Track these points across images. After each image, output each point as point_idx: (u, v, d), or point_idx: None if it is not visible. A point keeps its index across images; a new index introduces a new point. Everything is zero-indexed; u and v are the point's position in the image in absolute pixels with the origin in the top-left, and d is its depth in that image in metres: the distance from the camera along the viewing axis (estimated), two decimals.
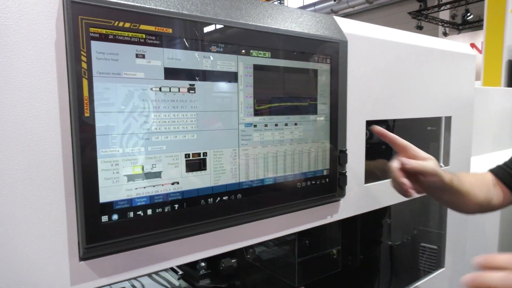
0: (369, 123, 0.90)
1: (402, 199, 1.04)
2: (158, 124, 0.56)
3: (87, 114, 0.49)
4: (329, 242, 1.15)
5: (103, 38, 0.50)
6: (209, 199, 0.62)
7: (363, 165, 0.90)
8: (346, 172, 0.82)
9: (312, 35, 0.73)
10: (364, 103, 0.88)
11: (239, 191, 0.65)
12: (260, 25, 0.66)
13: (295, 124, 0.72)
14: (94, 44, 0.49)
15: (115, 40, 0.51)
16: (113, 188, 0.52)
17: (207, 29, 0.59)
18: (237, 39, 0.63)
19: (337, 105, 0.78)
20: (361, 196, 0.91)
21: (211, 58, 0.60)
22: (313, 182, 0.77)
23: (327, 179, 0.79)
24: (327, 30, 0.78)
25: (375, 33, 0.90)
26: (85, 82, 0.49)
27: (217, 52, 0.61)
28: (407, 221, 1.38)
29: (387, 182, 0.91)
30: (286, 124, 0.71)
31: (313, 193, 0.77)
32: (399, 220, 1.34)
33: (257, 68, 0.66)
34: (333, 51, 0.77)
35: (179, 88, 0.57)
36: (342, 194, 0.83)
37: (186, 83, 0.58)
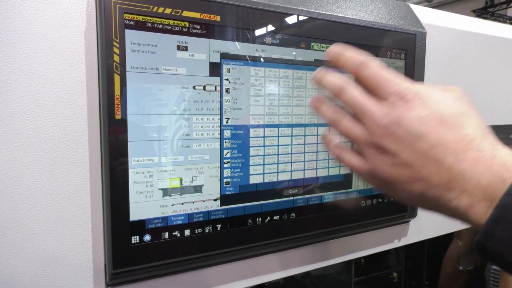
0: None
1: None
2: (201, 129, 0.47)
3: (118, 116, 0.41)
4: (390, 263, 1.02)
5: (140, 26, 0.42)
6: (257, 219, 0.52)
7: None
8: None
9: (384, 25, 0.61)
10: None
11: (292, 209, 0.55)
12: (324, 12, 0.55)
13: None
14: (129, 34, 0.41)
15: (154, 29, 0.43)
16: (146, 204, 0.44)
17: (261, 17, 0.50)
18: (295, 30, 0.53)
19: None
20: (435, 216, 0.76)
21: (266, 51, 0.50)
22: (380, 200, 0.64)
23: None
24: (402, 19, 0.65)
25: (458, 24, 0.76)
26: (116, 78, 0.41)
27: (272, 44, 0.51)
28: None
29: None
30: None
31: (379, 213, 0.65)
32: (472, 242, 1.17)
33: (318, 64, 0.55)
34: (409, 45, 0.64)
35: (226, 88, 0.48)
36: (413, 214, 0.70)
37: (235, 81, 0.48)
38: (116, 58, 0.41)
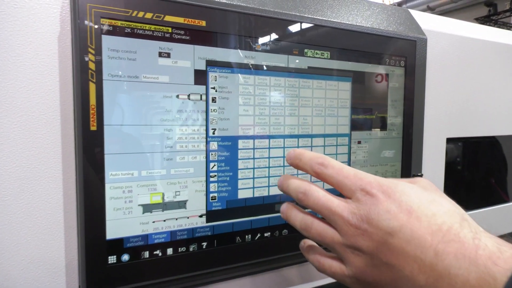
0: (451, 142, 0.72)
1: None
2: (185, 141, 0.44)
3: (93, 127, 0.38)
4: None
5: (118, 32, 0.39)
6: (246, 236, 0.49)
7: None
8: None
9: (383, 31, 0.58)
10: (446, 116, 0.71)
11: (285, 225, 0.52)
12: (318, 18, 0.52)
13: (358, 142, 0.57)
14: (106, 40, 0.39)
15: (133, 34, 0.40)
16: (124, 221, 0.41)
17: (250, 23, 0.47)
18: (288, 35, 0.50)
19: (412, 119, 0.62)
20: None
21: (255, 58, 0.48)
22: None
23: None
24: (401, 25, 0.62)
25: (461, 30, 0.73)
26: (92, 87, 0.38)
27: (263, 51, 0.48)
28: None
29: (477, 213, 0.73)
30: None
31: None
32: None
33: (312, 71, 0.52)
34: (409, 51, 0.61)
35: (213, 96, 0.45)
36: None
37: (222, 90, 0.46)
38: (92, 65, 0.38)
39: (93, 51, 0.38)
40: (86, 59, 0.38)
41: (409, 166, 0.63)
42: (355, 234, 0.28)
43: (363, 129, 0.57)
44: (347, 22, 0.55)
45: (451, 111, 0.71)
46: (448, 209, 0.28)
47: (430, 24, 0.68)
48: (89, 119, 0.38)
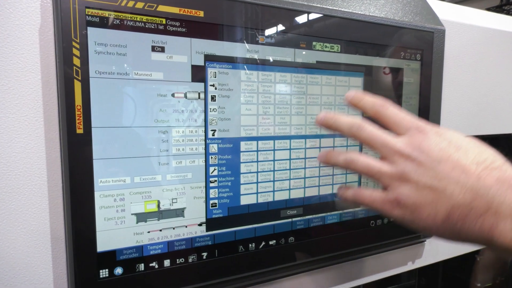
0: None
1: None
2: (182, 143, 0.40)
3: (79, 130, 0.35)
4: (402, 279, 0.94)
5: (105, 24, 0.35)
6: (250, 245, 0.45)
7: None
8: None
9: (398, 21, 0.54)
10: (464, 114, 0.66)
11: (291, 233, 0.48)
12: (327, 7, 0.48)
13: None
14: (92, 32, 0.35)
15: (123, 26, 0.36)
16: (116, 232, 0.38)
17: (253, 12, 0.43)
18: (295, 27, 0.46)
19: (428, 117, 0.58)
20: None
21: (259, 52, 0.44)
22: (392, 218, 0.57)
23: None
24: (417, 15, 0.58)
25: (481, 20, 0.68)
26: (77, 86, 0.34)
27: (267, 44, 0.44)
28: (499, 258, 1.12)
29: None
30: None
31: (390, 234, 0.57)
32: (491, 256, 1.09)
33: (321, 66, 0.48)
34: (426, 44, 0.57)
35: (212, 95, 0.41)
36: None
37: (222, 87, 0.42)
38: (77, 61, 0.34)
39: (77, 45, 0.34)
40: (70, 54, 0.34)
41: None
42: (405, 162, 0.31)
43: None
44: (359, 12, 0.51)
45: (469, 108, 0.67)
46: (491, 151, 0.31)
47: (448, 13, 0.63)
48: (74, 121, 0.35)
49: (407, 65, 0.56)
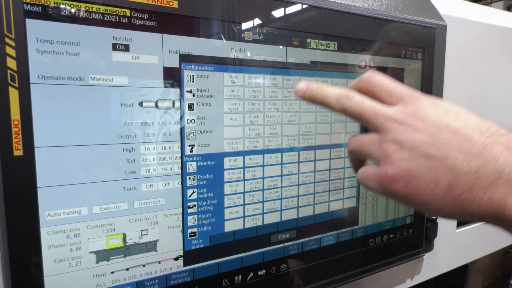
0: None
1: (503, 245, 0.77)
2: (152, 163, 0.33)
3: (18, 152, 0.27)
4: None
5: (50, 15, 0.28)
6: (236, 277, 0.39)
7: None
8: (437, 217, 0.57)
9: (398, 17, 0.48)
10: None
11: (283, 260, 0.42)
12: (323, 0, 0.41)
13: None
14: (32, 26, 0.27)
15: (74, 19, 0.28)
16: (70, 275, 0.30)
17: (237, 4, 0.36)
18: (286, 22, 0.39)
19: None
20: (452, 246, 0.65)
21: (245, 51, 0.37)
22: (392, 235, 0.52)
23: (411, 230, 0.54)
24: (418, 10, 0.52)
25: (483, 16, 0.63)
26: (13, 95, 0.27)
27: (255, 41, 0.37)
28: (490, 261, 1.11)
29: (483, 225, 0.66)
30: None
31: (390, 253, 0.52)
32: (481, 261, 1.07)
33: (316, 67, 0.42)
34: (428, 41, 0.51)
35: (189, 103, 0.34)
36: (429, 248, 0.58)
37: (202, 94, 0.35)
38: (12, 63, 0.26)
39: (12, 42, 0.26)
40: (3, 53, 0.26)
41: None
42: (398, 128, 0.28)
43: None
44: (358, 5, 0.44)
45: (470, 107, 0.62)
46: (491, 122, 0.28)
47: (449, 8, 0.58)
48: (11, 140, 0.27)
49: (407, 65, 0.50)
